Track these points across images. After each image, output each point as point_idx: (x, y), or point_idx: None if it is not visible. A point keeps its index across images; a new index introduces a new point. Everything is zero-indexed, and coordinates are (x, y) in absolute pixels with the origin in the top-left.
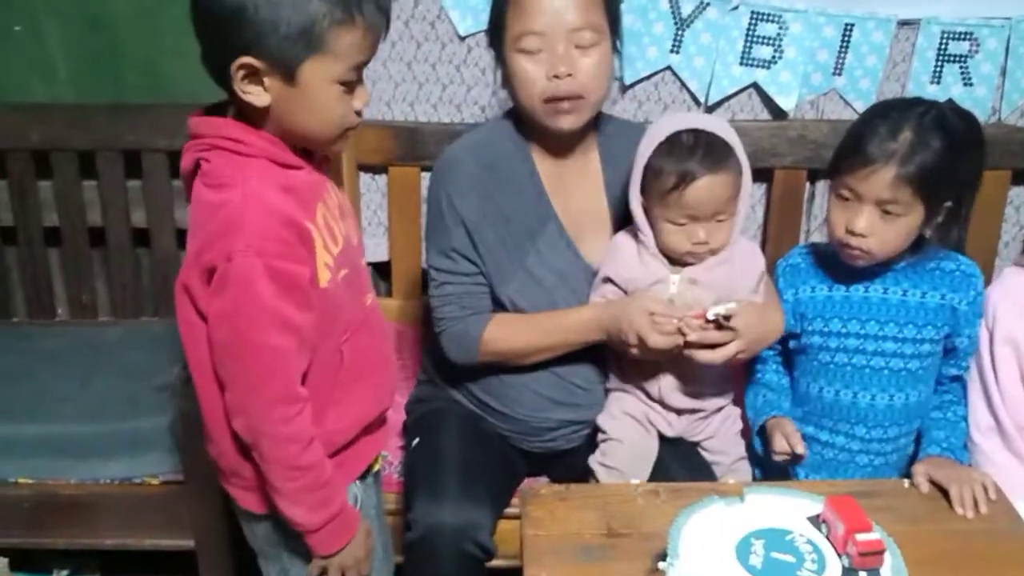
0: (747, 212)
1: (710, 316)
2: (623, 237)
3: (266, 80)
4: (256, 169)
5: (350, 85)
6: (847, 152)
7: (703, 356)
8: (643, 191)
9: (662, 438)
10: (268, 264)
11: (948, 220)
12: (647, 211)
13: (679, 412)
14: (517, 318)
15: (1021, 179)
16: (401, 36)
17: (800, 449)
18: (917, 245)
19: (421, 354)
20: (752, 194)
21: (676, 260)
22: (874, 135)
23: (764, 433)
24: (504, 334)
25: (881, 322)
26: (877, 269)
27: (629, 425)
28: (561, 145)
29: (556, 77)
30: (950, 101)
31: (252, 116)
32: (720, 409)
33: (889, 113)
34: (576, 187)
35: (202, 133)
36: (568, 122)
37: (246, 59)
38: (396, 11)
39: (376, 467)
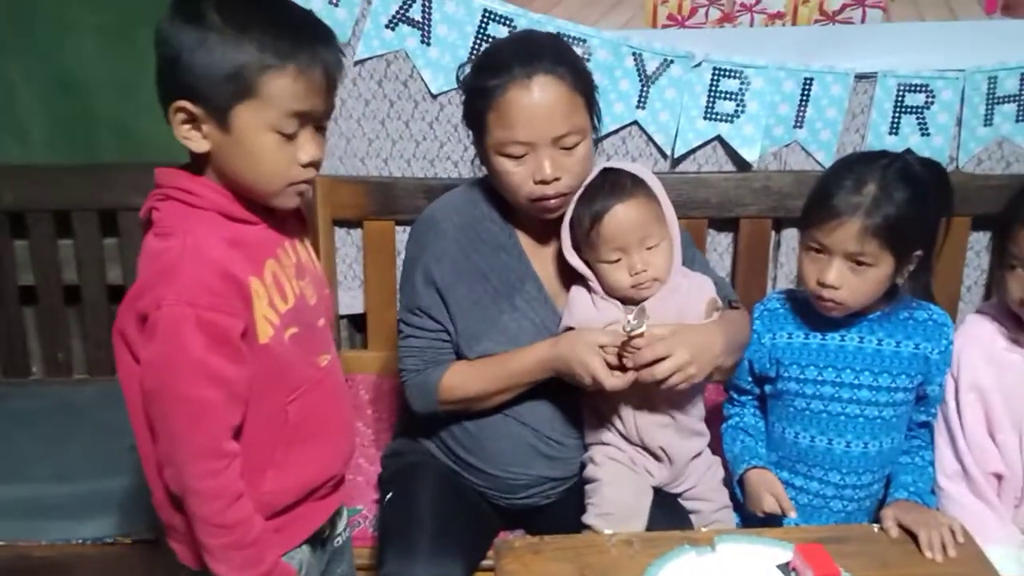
0: (678, 237)
1: (626, 329)
2: (576, 289)
3: (204, 127)
4: (203, 221)
5: (290, 136)
6: (814, 206)
7: (646, 374)
8: (576, 248)
9: None
10: (198, 315)
11: (920, 268)
12: (587, 264)
13: (659, 457)
14: (469, 364)
15: (980, 225)
16: (375, 95)
17: (792, 514)
18: (891, 294)
19: (398, 407)
20: (694, 242)
21: (629, 300)
22: (840, 189)
23: (743, 482)
24: (459, 381)
25: (856, 371)
26: (852, 318)
27: (616, 469)
28: (541, 224)
29: (543, 182)
30: (910, 151)
31: (200, 165)
32: (699, 454)
33: (854, 167)
34: (552, 257)
35: (160, 183)
36: (552, 214)
37: (181, 103)
38: (369, 71)
39: (336, 531)
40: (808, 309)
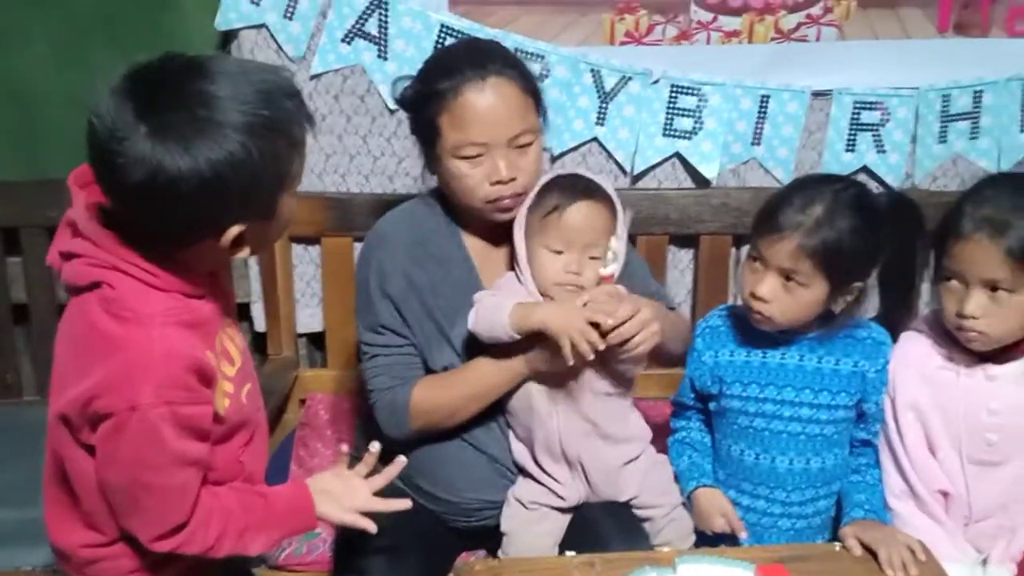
0: (622, 262)
1: (605, 272)
2: (510, 275)
3: (247, 235)
4: (164, 305)
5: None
6: (761, 218)
7: (617, 335)
8: (526, 230)
9: (595, 507)
10: (174, 412)
11: (860, 300)
12: (529, 252)
13: (581, 470)
14: (439, 376)
15: None
16: (332, 110)
17: (743, 535)
18: (828, 317)
19: (356, 427)
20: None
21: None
22: (788, 205)
23: (692, 500)
24: (430, 394)
25: (797, 388)
26: (792, 336)
27: (521, 517)
28: (493, 226)
29: (500, 183)
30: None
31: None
32: (632, 460)
33: (807, 186)
34: (504, 262)
35: (107, 249)
36: (508, 216)
37: (236, 230)
38: (325, 86)
39: None
40: (749, 326)
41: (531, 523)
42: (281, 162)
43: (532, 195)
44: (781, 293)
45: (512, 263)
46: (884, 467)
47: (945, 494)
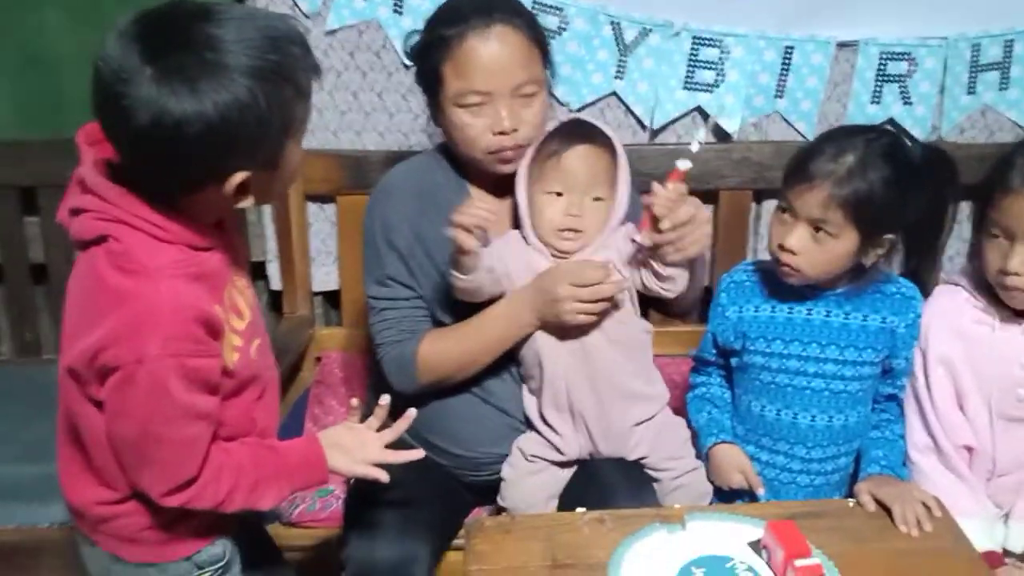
0: (626, 205)
1: (682, 167)
2: (513, 233)
3: (251, 184)
4: (171, 258)
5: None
6: (791, 169)
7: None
8: (529, 178)
9: (603, 462)
10: (181, 364)
11: (891, 254)
12: (530, 199)
13: (585, 425)
14: (447, 329)
15: (963, 195)
16: (347, 66)
17: (761, 491)
18: (858, 272)
19: (369, 386)
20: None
21: (551, 249)
22: (819, 154)
23: (710, 456)
24: (438, 347)
25: (822, 344)
26: (819, 291)
27: (521, 470)
28: (499, 180)
29: (502, 133)
30: (913, 137)
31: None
32: (646, 420)
33: (839, 136)
34: (509, 215)
35: (113, 203)
36: (509, 168)
37: (237, 177)
38: (341, 42)
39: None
40: (775, 281)
41: (529, 475)
42: (287, 109)
43: (533, 148)
44: (810, 244)
45: (516, 217)
46: (909, 421)
47: (969, 449)
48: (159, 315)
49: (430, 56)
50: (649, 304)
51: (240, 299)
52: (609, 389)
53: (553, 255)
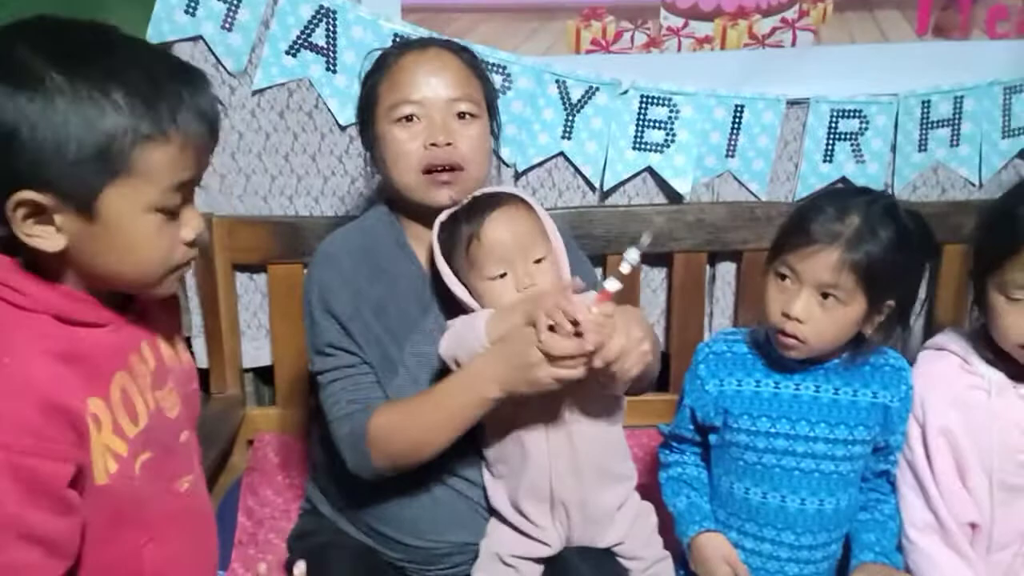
0: (565, 257)
1: (611, 288)
2: (458, 319)
3: (57, 218)
4: (30, 330)
5: (172, 212)
6: (790, 231)
7: (602, 357)
8: (455, 274)
9: (573, 555)
10: (12, 461)
11: (888, 321)
12: (471, 291)
13: (567, 513)
14: (400, 400)
15: None
16: (276, 127)
17: None
18: (855, 343)
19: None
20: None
21: None
22: (820, 215)
23: (692, 546)
24: (390, 418)
25: (812, 422)
26: (808, 364)
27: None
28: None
29: (434, 145)
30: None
31: (47, 261)
32: (623, 504)
33: (838, 197)
34: None
35: None
36: (446, 196)
37: (24, 194)
38: (269, 101)
39: None
40: (759, 353)
41: None
42: (111, 134)
43: (434, 239)
44: (817, 312)
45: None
46: (905, 498)
47: (973, 526)
48: None
49: (369, 80)
50: None
51: (139, 400)
52: (591, 472)
53: None
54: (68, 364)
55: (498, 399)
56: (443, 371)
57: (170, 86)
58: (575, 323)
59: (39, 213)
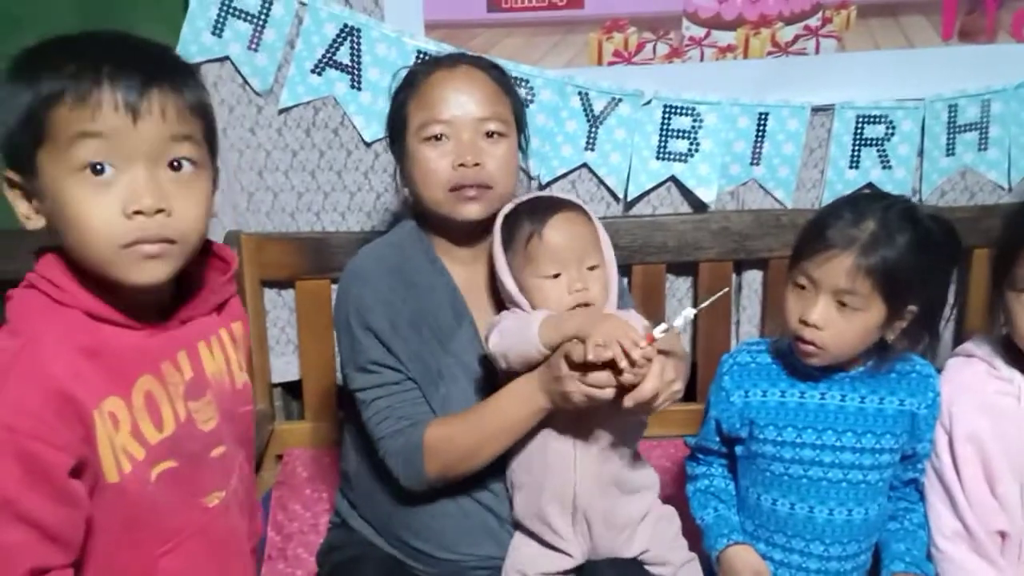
0: (615, 275)
1: (658, 334)
2: (506, 316)
3: (31, 196)
4: (61, 322)
5: (101, 175)
6: (807, 238)
7: (638, 393)
8: (510, 268)
9: (601, 567)
10: (16, 442)
11: (914, 327)
12: (521, 288)
13: (594, 524)
14: (454, 414)
15: None
16: (303, 145)
17: None
18: (880, 349)
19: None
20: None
21: None
22: (837, 220)
23: (721, 559)
24: (446, 431)
25: (838, 431)
26: (833, 373)
27: None
28: (468, 240)
29: (463, 166)
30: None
31: (73, 258)
32: (646, 515)
33: (854, 202)
34: (485, 287)
35: (35, 268)
36: (473, 211)
37: (7, 172)
38: (296, 120)
39: None
40: (783, 363)
41: None
42: (29, 99)
43: (496, 232)
44: (835, 318)
45: (493, 288)
46: (933, 506)
47: (1003, 535)
48: (6, 378)
49: (396, 100)
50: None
51: (167, 408)
52: (614, 484)
53: None
54: (90, 359)
55: (546, 409)
56: (487, 375)
57: (91, 50)
58: (626, 355)
59: (19, 189)
